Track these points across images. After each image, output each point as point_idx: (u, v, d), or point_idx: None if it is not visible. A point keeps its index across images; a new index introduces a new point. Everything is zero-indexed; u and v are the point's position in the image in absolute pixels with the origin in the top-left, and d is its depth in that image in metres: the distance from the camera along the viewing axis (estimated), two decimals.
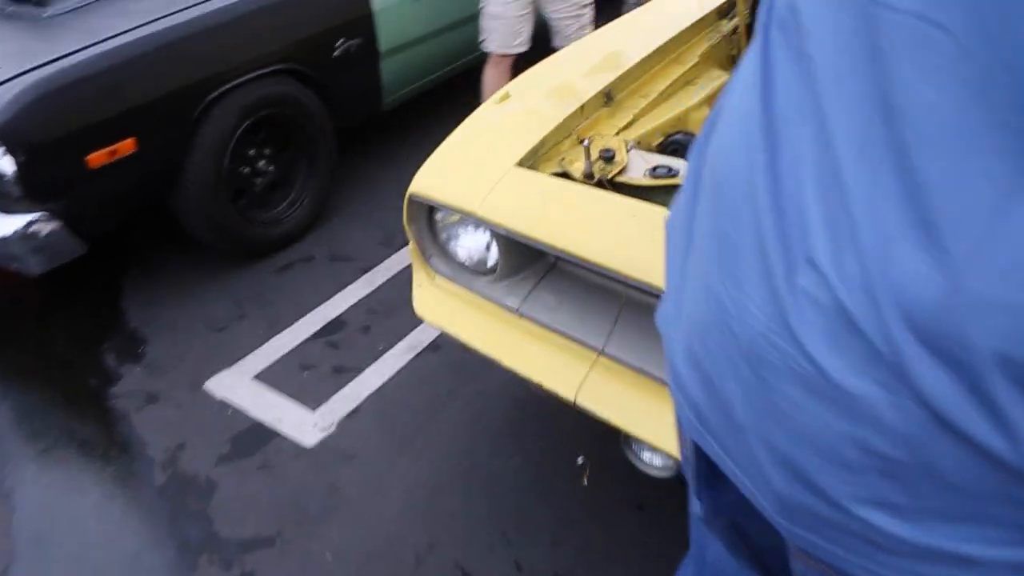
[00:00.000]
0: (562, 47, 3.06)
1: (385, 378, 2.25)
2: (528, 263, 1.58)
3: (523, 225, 1.38)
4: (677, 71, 1.89)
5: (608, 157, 1.50)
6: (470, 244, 1.61)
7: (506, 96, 1.71)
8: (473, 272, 1.63)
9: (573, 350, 1.43)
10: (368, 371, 2.28)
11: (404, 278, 2.67)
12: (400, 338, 2.40)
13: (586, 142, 1.47)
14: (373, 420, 2.11)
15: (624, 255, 1.27)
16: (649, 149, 1.66)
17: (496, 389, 2.18)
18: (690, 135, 1.64)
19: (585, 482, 1.52)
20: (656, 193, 1.46)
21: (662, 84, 1.83)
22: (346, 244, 2.88)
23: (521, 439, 2.01)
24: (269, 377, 2.29)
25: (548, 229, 1.35)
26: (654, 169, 1.50)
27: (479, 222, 1.52)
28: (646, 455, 1.49)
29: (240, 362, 2.35)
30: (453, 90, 3.73)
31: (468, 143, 1.61)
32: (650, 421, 1.34)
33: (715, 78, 1.95)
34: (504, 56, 3.07)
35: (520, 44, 3.06)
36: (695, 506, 0.85)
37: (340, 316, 2.52)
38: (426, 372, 2.26)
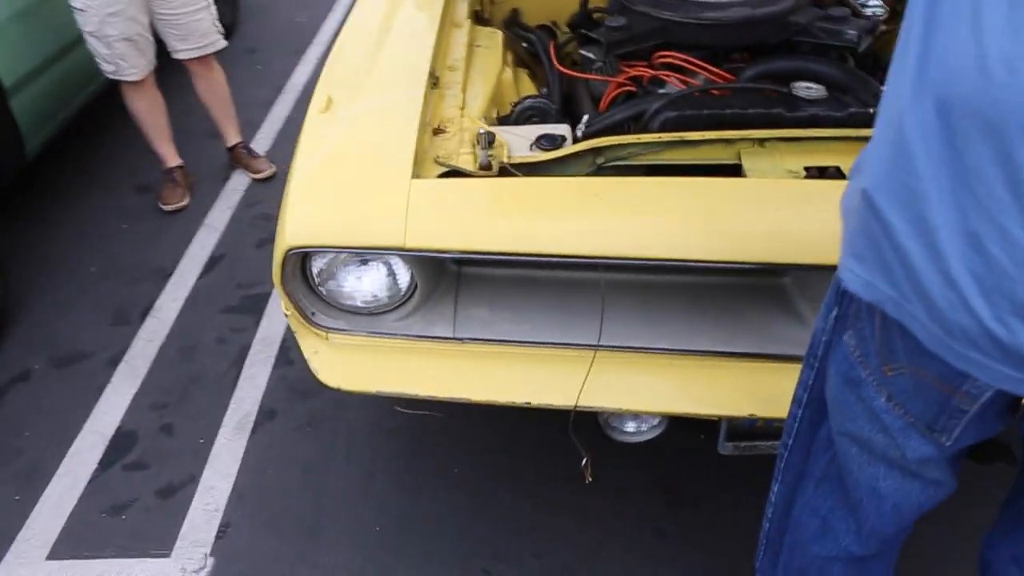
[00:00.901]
0: (194, 47, 2.61)
1: (233, 474, 1.83)
2: (435, 283, 1.39)
3: (472, 242, 1.19)
4: (461, 35, 1.77)
5: (490, 141, 1.36)
6: (368, 284, 1.35)
7: (329, 103, 1.43)
8: (373, 314, 1.38)
9: (552, 356, 1.31)
10: (206, 476, 1.83)
11: (172, 352, 2.17)
12: (218, 421, 1.96)
13: (482, 131, 1.31)
14: (252, 528, 1.71)
15: (613, 237, 1.18)
16: (493, 123, 1.54)
17: (366, 429, 1.92)
18: (539, 99, 1.55)
19: (589, 479, 1.44)
20: (552, 166, 1.37)
21: (459, 51, 1.69)
22: (68, 339, 2.22)
23: (434, 471, 1.82)
24: (72, 546, 1.70)
25: (509, 238, 1.19)
26: (538, 140, 1.40)
27: (368, 255, 1.29)
28: (630, 425, 1.46)
29: (14, 547, 1.70)
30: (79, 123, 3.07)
31: (332, 169, 1.31)
32: (654, 392, 1.31)
33: (488, 35, 1.87)
34: (148, 76, 2.56)
35: (154, 56, 2.57)
36: (913, 450, 0.85)
37: (121, 428, 1.96)
38: (278, 445, 1.89)
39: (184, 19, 2.53)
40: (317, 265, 1.32)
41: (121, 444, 1.92)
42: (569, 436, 1.33)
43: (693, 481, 1.75)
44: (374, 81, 1.49)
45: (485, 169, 1.32)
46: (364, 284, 1.34)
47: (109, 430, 1.95)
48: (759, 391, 1.30)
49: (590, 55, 1.77)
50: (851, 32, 1.52)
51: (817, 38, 1.55)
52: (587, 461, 1.39)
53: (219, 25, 2.65)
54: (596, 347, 1.28)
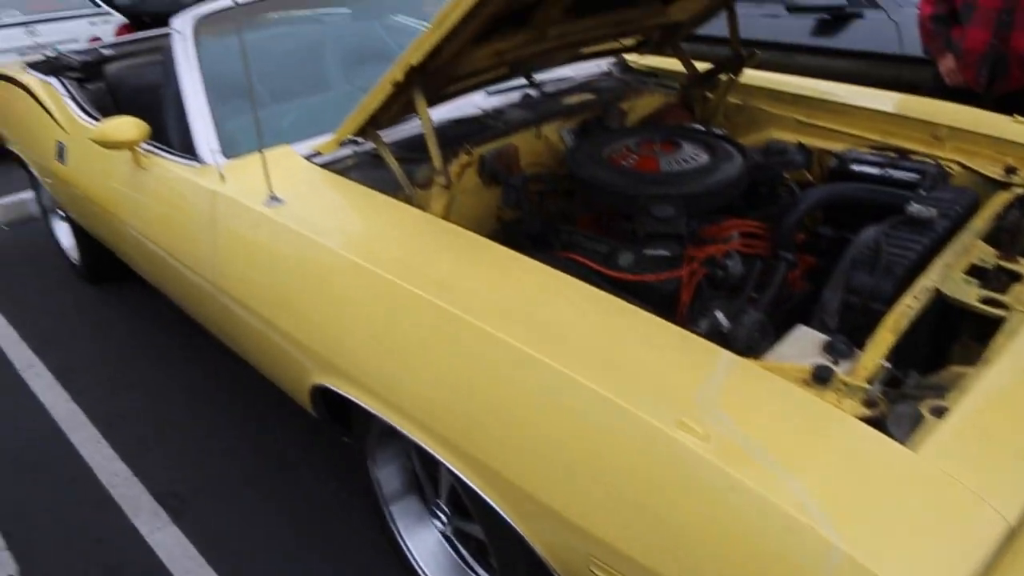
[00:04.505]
0: None
1: (199, 557, 1.70)
2: None
3: None
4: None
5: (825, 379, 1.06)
6: None
7: (699, 429, 0.93)
8: None
9: None
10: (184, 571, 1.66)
11: None
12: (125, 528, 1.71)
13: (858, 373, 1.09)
14: None
15: None
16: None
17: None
18: (754, 312, 1.39)
19: None
20: None
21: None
22: None
23: None
24: None
25: None
26: (829, 352, 1.15)
27: None
28: None
29: None
30: None
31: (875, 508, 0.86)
32: None
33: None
34: None
35: None
36: None
37: None
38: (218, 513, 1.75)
39: None
40: None
41: None
42: None
43: None
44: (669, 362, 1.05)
45: (873, 406, 1.03)
46: None
47: None
48: None
49: (660, 252, 1.49)
50: (797, 158, 1.82)
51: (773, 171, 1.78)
52: None
53: None
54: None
